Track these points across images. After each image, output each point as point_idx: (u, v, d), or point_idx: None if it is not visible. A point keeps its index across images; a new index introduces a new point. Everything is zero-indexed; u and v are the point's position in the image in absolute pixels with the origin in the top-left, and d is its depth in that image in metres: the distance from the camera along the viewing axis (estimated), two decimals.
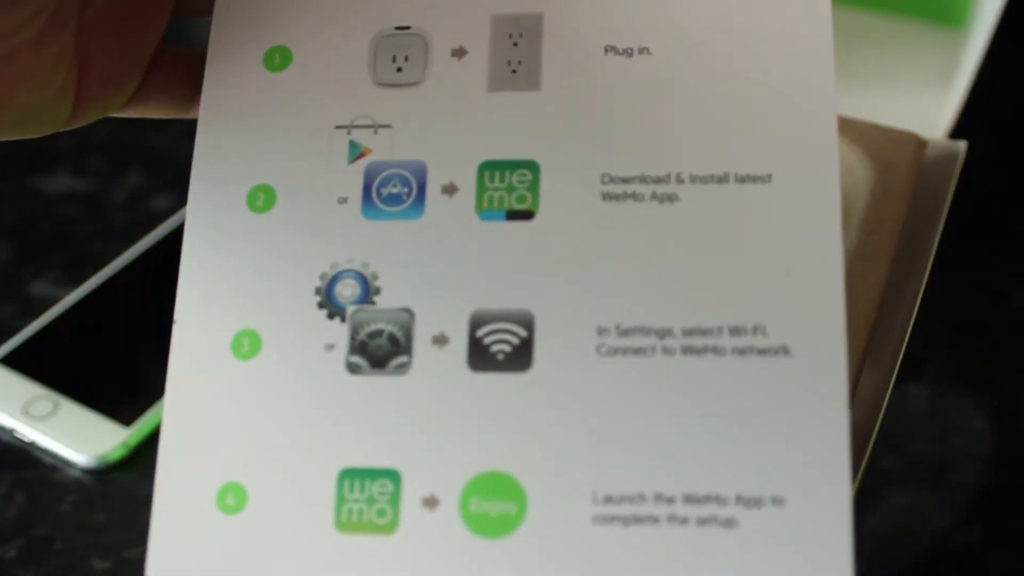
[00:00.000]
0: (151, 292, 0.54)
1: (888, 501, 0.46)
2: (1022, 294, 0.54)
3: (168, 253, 0.55)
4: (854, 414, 0.35)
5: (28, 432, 0.48)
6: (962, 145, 0.42)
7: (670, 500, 0.30)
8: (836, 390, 0.30)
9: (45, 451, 0.48)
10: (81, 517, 0.46)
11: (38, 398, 0.49)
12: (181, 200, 0.57)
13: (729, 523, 0.30)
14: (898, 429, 0.48)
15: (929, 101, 0.58)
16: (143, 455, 0.47)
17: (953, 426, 0.48)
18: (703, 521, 0.30)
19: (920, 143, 0.42)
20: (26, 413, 0.48)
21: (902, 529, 0.45)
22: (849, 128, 0.42)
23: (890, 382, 0.35)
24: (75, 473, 0.47)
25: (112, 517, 0.46)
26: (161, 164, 0.60)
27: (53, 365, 0.50)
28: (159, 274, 0.54)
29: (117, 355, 0.51)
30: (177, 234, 0.56)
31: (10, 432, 0.48)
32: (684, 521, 0.30)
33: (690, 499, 0.30)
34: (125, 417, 0.48)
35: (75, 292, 0.53)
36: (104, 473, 0.47)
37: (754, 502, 0.30)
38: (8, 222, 0.57)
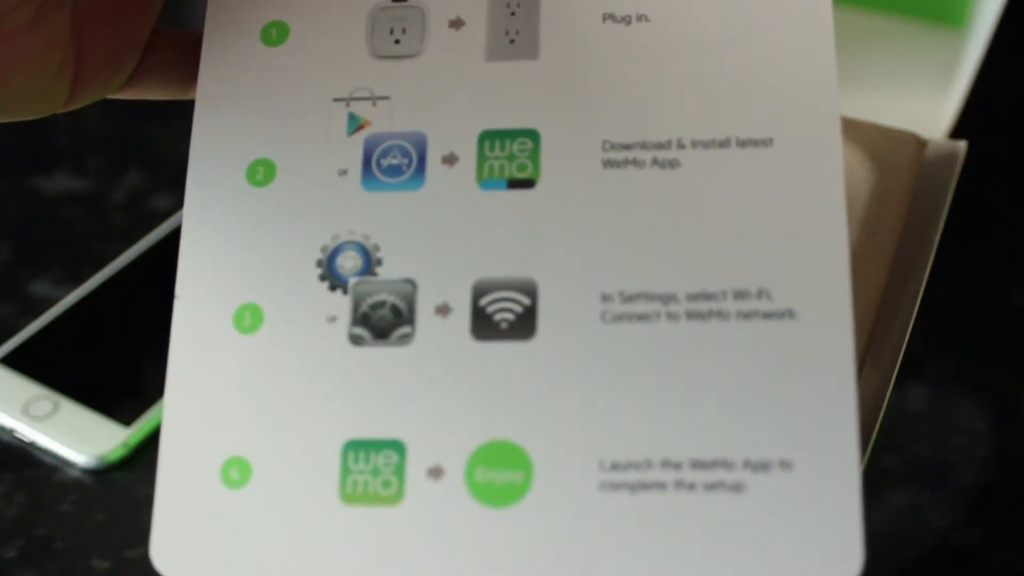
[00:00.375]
0: (151, 292, 0.54)
1: (888, 501, 0.46)
2: (1022, 294, 0.54)
3: (168, 253, 0.55)
4: None
5: (28, 432, 0.48)
6: (962, 145, 0.42)
7: (677, 466, 0.30)
8: (843, 352, 0.30)
9: (45, 451, 0.48)
10: (81, 517, 0.46)
11: (38, 398, 0.49)
12: (181, 200, 0.57)
13: (737, 488, 0.30)
14: (898, 429, 0.48)
15: (929, 101, 0.58)
16: (143, 455, 0.47)
17: (953, 426, 0.48)
18: (711, 486, 0.30)
19: (920, 143, 0.42)
20: (26, 413, 0.48)
21: (902, 529, 0.45)
22: (849, 128, 0.42)
23: (890, 382, 0.35)
24: (75, 473, 0.47)
25: (112, 517, 0.46)
26: (161, 164, 0.60)
27: (53, 365, 0.50)
28: (159, 274, 0.54)
29: (117, 355, 0.51)
30: (177, 234, 0.56)
31: (10, 432, 0.48)
32: (692, 487, 0.30)
33: (697, 464, 0.30)
34: (125, 417, 0.48)
35: (75, 292, 0.53)
36: (104, 473, 0.47)
37: (762, 466, 0.30)
38: (8, 222, 0.57)
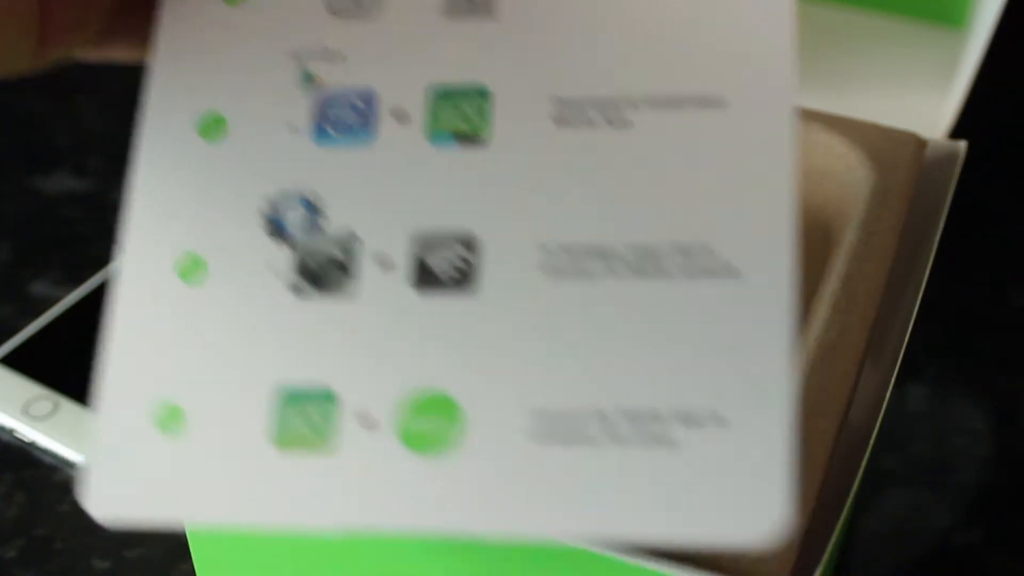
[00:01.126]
0: None
1: (888, 501, 0.46)
2: (1022, 294, 0.54)
3: None
4: (854, 414, 0.35)
5: (28, 432, 0.48)
6: (962, 145, 0.42)
7: (611, 420, 0.30)
8: (781, 310, 0.30)
9: (45, 451, 0.48)
10: (81, 517, 0.46)
11: (38, 398, 0.49)
12: None
13: (670, 443, 0.30)
14: (898, 429, 0.48)
15: (929, 101, 0.58)
16: None
17: (953, 426, 0.48)
18: (644, 441, 0.30)
19: (920, 143, 0.42)
20: (26, 413, 0.48)
21: (902, 529, 0.45)
22: (849, 128, 0.42)
23: (890, 382, 0.35)
24: (75, 473, 0.47)
25: None
26: None
27: (53, 365, 0.50)
28: None
29: None
30: None
31: (10, 432, 0.48)
32: (625, 440, 0.30)
33: (630, 417, 0.30)
34: None
35: (75, 292, 0.53)
36: None
37: (696, 421, 0.30)
38: (8, 222, 0.57)
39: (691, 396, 0.30)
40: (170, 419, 0.32)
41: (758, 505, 0.29)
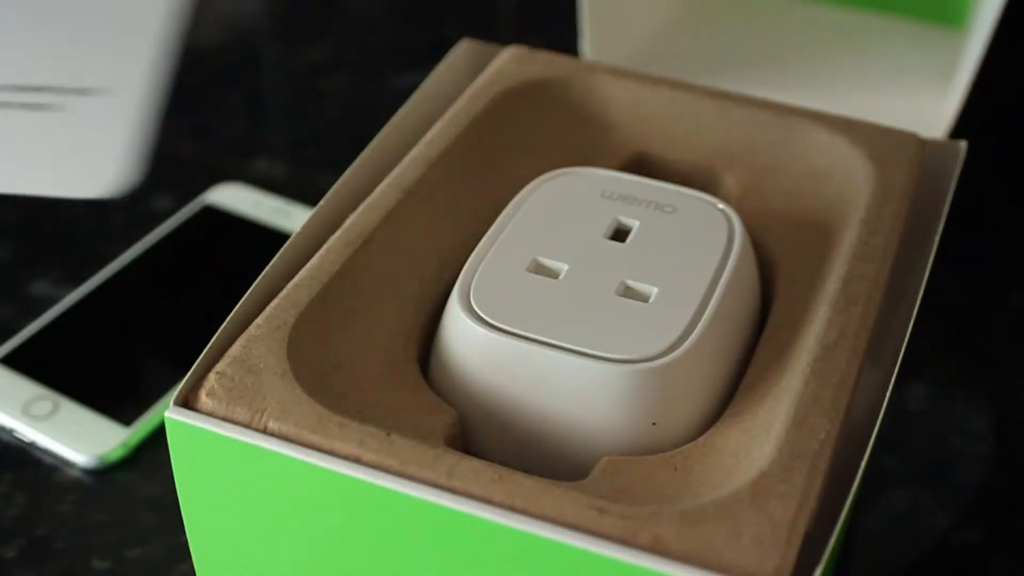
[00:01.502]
0: (151, 292, 0.54)
1: (888, 501, 0.46)
2: (1022, 294, 0.54)
3: (168, 253, 0.55)
4: (854, 414, 0.35)
5: (28, 432, 0.48)
6: (962, 145, 0.42)
7: (10, 89, 0.34)
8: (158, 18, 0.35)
9: (45, 451, 0.48)
10: (81, 517, 0.46)
11: (38, 398, 0.49)
12: (181, 200, 0.57)
13: (56, 107, 0.33)
14: (898, 429, 0.48)
15: (929, 101, 0.58)
16: (143, 455, 0.47)
17: (953, 426, 0.48)
18: (34, 107, 0.34)
19: (920, 143, 0.42)
20: (26, 413, 0.48)
21: (902, 529, 0.45)
22: (849, 128, 0.42)
23: (890, 382, 0.35)
24: (75, 473, 0.47)
25: (112, 517, 0.46)
26: (161, 164, 0.60)
27: (53, 365, 0.50)
28: (159, 274, 0.54)
29: (117, 355, 0.51)
30: (176, 234, 0.56)
31: (10, 432, 0.48)
32: (22, 106, 0.34)
33: (25, 88, 0.34)
34: (125, 417, 0.48)
35: (75, 292, 0.53)
36: (104, 473, 0.47)
37: (81, 91, 0.34)
38: (8, 222, 0.57)
39: (80, 72, 0.34)
40: None
41: (109, 162, 0.33)
